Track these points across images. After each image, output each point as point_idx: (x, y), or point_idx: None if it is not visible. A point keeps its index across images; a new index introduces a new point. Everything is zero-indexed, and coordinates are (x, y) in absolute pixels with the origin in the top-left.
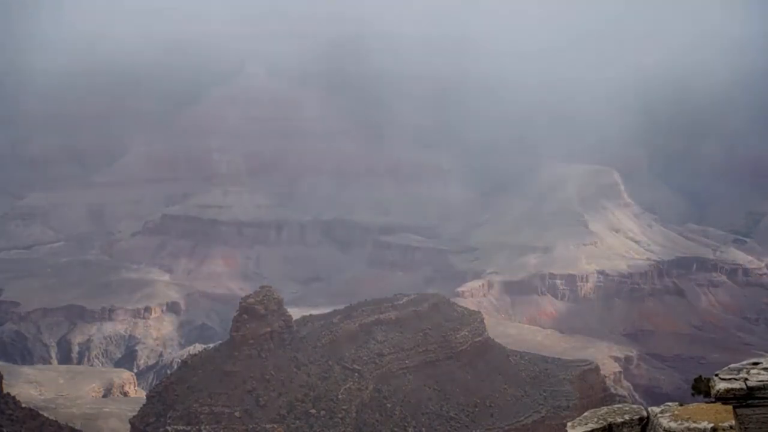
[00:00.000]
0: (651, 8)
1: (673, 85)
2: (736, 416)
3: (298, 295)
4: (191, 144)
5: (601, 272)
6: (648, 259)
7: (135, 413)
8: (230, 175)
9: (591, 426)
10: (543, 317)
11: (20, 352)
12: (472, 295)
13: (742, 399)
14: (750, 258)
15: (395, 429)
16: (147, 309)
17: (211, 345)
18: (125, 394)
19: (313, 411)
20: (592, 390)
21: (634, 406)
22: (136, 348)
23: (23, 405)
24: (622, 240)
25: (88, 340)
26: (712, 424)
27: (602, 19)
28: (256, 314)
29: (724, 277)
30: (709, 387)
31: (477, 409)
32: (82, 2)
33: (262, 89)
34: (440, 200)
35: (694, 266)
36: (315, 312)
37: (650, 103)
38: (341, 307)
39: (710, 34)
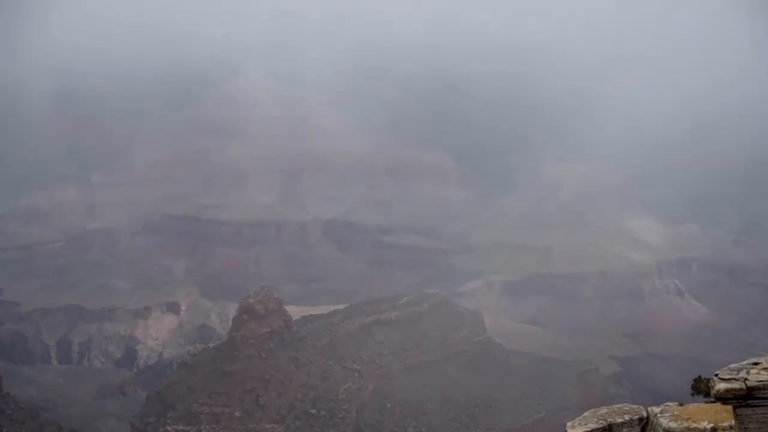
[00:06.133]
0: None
1: (675, 84)
2: (736, 416)
3: (298, 295)
4: (191, 144)
5: (601, 272)
6: (648, 259)
7: (135, 413)
8: (230, 175)
9: (591, 426)
10: (543, 317)
11: (20, 352)
12: (472, 295)
13: (742, 399)
14: (750, 258)
15: (395, 429)
16: (147, 309)
17: (211, 345)
18: (125, 394)
19: (313, 411)
20: (592, 390)
21: (634, 406)
22: (136, 348)
23: (23, 405)
24: (622, 240)
25: (88, 340)
26: (712, 424)
27: (603, 18)
28: (256, 314)
29: (724, 277)
30: (709, 387)
31: (477, 409)
32: (83, 1)
33: (262, 89)
34: (440, 200)
35: (694, 266)
36: (315, 312)
37: (649, 101)
38: (341, 307)
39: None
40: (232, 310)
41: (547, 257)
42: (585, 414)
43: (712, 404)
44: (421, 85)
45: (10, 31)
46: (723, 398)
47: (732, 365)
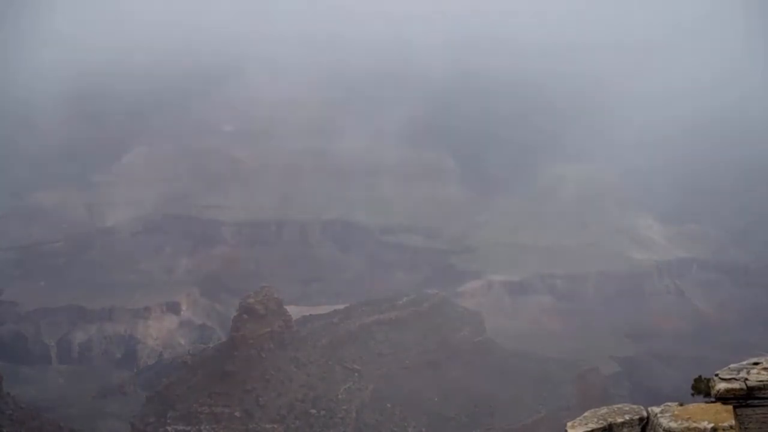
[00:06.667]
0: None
1: (675, 85)
2: (736, 416)
3: (298, 295)
4: (191, 144)
5: (601, 272)
6: (648, 259)
7: (135, 413)
8: (230, 175)
9: (591, 426)
10: (543, 317)
11: (20, 352)
12: (472, 295)
13: (742, 399)
14: (750, 258)
15: (395, 429)
16: (147, 309)
17: (211, 345)
18: (125, 394)
19: (313, 411)
20: (592, 390)
21: (634, 406)
22: (136, 348)
23: (23, 405)
24: (622, 240)
25: (88, 340)
26: (712, 424)
27: (604, 18)
28: (256, 314)
29: (724, 277)
30: (709, 387)
31: (477, 409)
32: (83, 2)
33: (262, 89)
34: (440, 200)
35: (694, 266)
36: (315, 312)
37: (650, 102)
38: (341, 307)
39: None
40: (232, 310)
41: (547, 257)
42: (585, 414)
43: (712, 404)
44: (421, 85)
45: (9, 32)
46: (723, 398)
47: (732, 365)
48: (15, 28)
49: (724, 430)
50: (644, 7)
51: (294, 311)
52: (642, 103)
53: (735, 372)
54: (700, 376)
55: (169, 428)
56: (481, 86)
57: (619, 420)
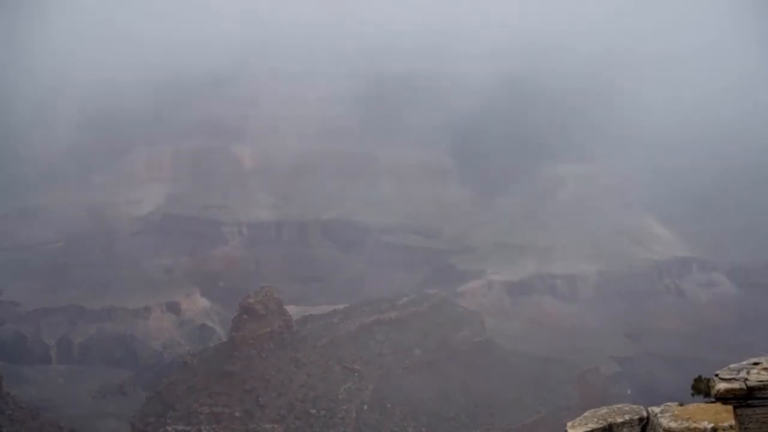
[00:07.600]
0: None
1: (676, 85)
2: (736, 416)
3: (298, 295)
4: (192, 144)
5: (601, 272)
6: (648, 259)
7: (135, 413)
8: (230, 175)
9: (591, 426)
10: (543, 317)
11: (20, 352)
12: (472, 295)
13: (742, 399)
14: (750, 258)
15: (395, 429)
16: (147, 309)
17: (211, 345)
18: (125, 394)
19: (313, 411)
20: (592, 390)
21: (634, 406)
22: (136, 348)
23: (23, 405)
24: (622, 240)
25: (88, 340)
26: (712, 424)
27: (604, 19)
28: (256, 314)
29: (724, 277)
30: (709, 387)
31: (477, 409)
32: (84, 2)
33: (262, 89)
34: (440, 200)
35: (694, 266)
36: (315, 312)
37: (649, 102)
38: (341, 307)
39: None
40: (232, 310)
41: (547, 257)
42: (585, 414)
43: (712, 404)
44: (421, 84)
45: (9, 30)
46: (723, 398)
47: (732, 365)
48: (15, 29)
49: (724, 430)
50: (656, 14)
51: (294, 311)
52: (643, 104)
53: (735, 372)
54: (700, 376)
55: (169, 428)
56: (481, 86)
57: (619, 420)
